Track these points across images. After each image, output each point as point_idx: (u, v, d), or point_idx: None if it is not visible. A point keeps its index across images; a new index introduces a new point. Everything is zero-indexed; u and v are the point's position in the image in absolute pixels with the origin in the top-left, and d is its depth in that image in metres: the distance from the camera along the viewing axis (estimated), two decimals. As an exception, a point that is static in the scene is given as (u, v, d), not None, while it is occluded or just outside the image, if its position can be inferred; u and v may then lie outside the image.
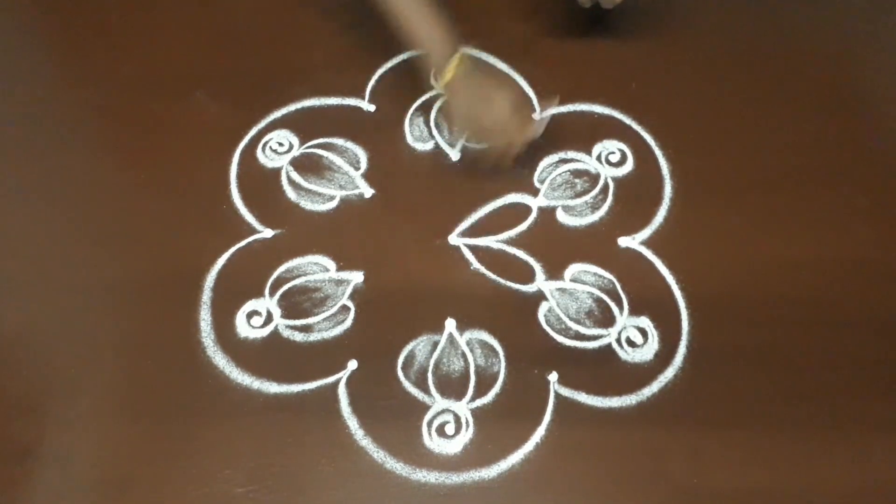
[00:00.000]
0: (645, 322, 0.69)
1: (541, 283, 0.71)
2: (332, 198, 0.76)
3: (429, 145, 0.79)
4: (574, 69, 0.83)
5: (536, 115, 0.75)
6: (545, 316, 0.70)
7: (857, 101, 0.82)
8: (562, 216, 0.75)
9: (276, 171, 0.78)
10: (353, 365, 0.67)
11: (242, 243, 0.73)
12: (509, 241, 0.74)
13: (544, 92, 0.82)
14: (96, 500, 0.62)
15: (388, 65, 0.84)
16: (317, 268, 0.72)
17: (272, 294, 0.71)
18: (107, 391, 0.67)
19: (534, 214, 0.75)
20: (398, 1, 0.72)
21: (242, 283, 0.71)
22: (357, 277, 0.72)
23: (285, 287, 0.71)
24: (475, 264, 0.72)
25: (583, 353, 0.68)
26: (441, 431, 0.64)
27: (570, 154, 0.78)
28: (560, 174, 0.77)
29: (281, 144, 0.79)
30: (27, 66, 0.86)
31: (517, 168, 0.77)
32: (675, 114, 0.80)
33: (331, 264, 0.72)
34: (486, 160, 0.75)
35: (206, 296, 0.71)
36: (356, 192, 0.76)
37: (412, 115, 0.81)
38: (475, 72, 0.72)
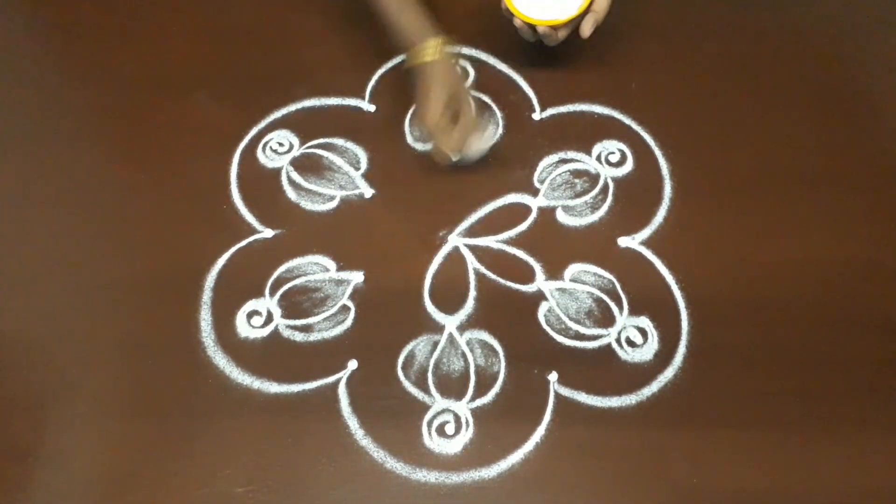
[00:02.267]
0: (645, 322, 0.69)
1: (541, 283, 0.71)
2: (332, 198, 0.76)
3: (429, 145, 0.79)
4: (574, 69, 0.83)
5: (478, 138, 0.74)
6: (545, 316, 0.70)
7: (857, 102, 0.82)
8: (562, 216, 0.75)
9: (277, 171, 0.78)
10: (353, 365, 0.67)
11: (242, 243, 0.73)
12: (509, 241, 0.74)
13: (544, 92, 0.82)
14: (96, 500, 0.62)
15: (388, 65, 0.84)
16: (317, 268, 0.72)
17: (272, 294, 0.71)
18: (107, 391, 0.67)
19: (534, 214, 0.75)
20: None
21: (242, 283, 0.71)
22: (357, 277, 0.72)
23: (285, 287, 0.71)
24: (475, 264, 0.72)
25: (583, 353, 0.68)
26: (441, 431, 0.64)
27: (570, 154, 0.78)
28: (560, 174, 0.77)
29: (281, 144, 0.79)
30: (27, 66, 0.86)
31: (515, 168, 0.77)
32: (675, 114, 0.80)
33: (331, 264, 0.72)
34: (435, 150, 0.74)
35: (207, 296, 0.71)
36: (356, 192, 0.77)
37: (412, 115, 0.81)
38: (441, 66, 0.72)
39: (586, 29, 0.73)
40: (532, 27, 0.74)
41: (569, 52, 0.83)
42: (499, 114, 0.80)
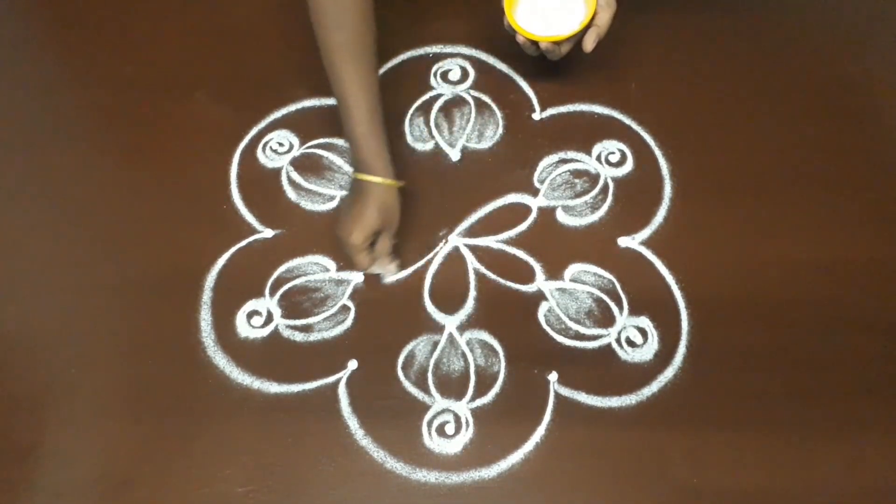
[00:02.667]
0: (645, 322, 0.69)
1: (541, 283, 0.71)
2: (332, 198, 0.76)
3: (429, 145, 0.79)
4: (574, 69, 0.83)
5: (382, 266, 0.71)
6: (545, 316, 0.70)
7: (857, 102, 0.82)
8: (562, 216, 0.75)
9: (277, 171, 0.78)
10: (353, 365, 0.67)
11: (243, 243, 0.73)
12: (509, 241, 0.74)
13: (544, 92, 0.82)
14: (96, 500, 0.62)
15: (389, 65, 0.84)
16: (317, 268, 0.72)
17: (272, 294, 0.71)
18: (107, 391, 0.67)
19: (534, 214, 0.75)
20: (350, 98, 0.68)
21: (243, 283, 0.71)
22: (357, 277, 0.72)
23: (285, 287, 0.71)
24: (475, 264, 0.72)
25: (583, 352, 0.68)
26: (441, 431, 0.64)
27: (570, 154, 0.78)
28: (560, 174, 0.77)
29: (281, 144, 0.79)
30: (28, 67, 0.86)
31: (515, 168, 0.77)
32: (675, 114, 0.80)
33: (331, 264, 0.72)
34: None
35: (207, 296, 0.71)
36: (356, 192, 0.76)
37: (412, 115, 0.81)
38: (387, 195, 0.68)
39: (589, 44, 0.73)
40: (535, 43, 0.74)
41: (569, 53, 0.83)
42: (499, 114, 0.80)
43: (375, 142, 0.68)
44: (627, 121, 0.80)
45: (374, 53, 0.69)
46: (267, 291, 0.71)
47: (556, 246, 0.73)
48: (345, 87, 0.68)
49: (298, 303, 0.70)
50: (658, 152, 0.78)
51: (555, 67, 0.81)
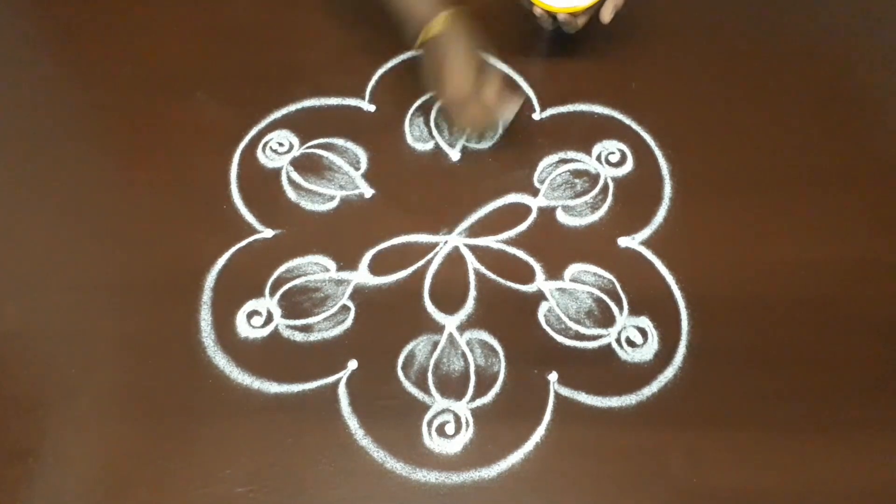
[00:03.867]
0: (645, 322, 0.69)
1: (541, 283, 0.71)
2: (332, 198, 0.76)
3: (429, 145, 0.79)
4: (574, 69, 0.83)
5: (505, 103, 0.72)
6: (545, 316, 0.70)
7: (856, 101, 0.82)
8: (562, 216, 0.75)
9: (277, 171, 0.78)
10: (353, 365, 0.67)
11: (242, 243, 0.73)
12: (509, 241, 0.74)
13: (544, 92, 0.82)
14: (96, 500, 0.62)
15: (389, 65, 0.84)
16: (317, 268, 0.72)
17: (272, 294, 0.71)
18: (107, 391, 0.67)
19: (534, 214, 0.75)
20: None
21: (242, 283, 0.71)
22: (357, 277, 0.72)
23: (285, 287, 0.71)
24: (475, 264, 0.72)
25: (583, 353, 0.68)
26: (441, 431, 0.64)
27: (570, 154, 0.78)
28: (560, 174, 0.77)
29: (281, 144, 0.79)
30: (27, 66, 0.86)
31: (515, 168, 0.77)
32: (675, 114, 0.80)
33: (331, 264, 0.72)
34: (451, 129, 0.73)
35: (207, 296, 0.71)
36: (356, 192, 0.77)
37: (412, 115, 0.81)
38: (458, 37, 0.69)
39: (606, 15, 0.72)
40: (552, 15, 0.73)
41: (569, 50, 0.83)
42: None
43: None
44: (627, 121, 0.80)
45: None
46: (267, 291, 0.71)
47: (556, 246, 0.73)
48: None
49: (298, 303, 0.70)
50: (658, 152, 0.78)
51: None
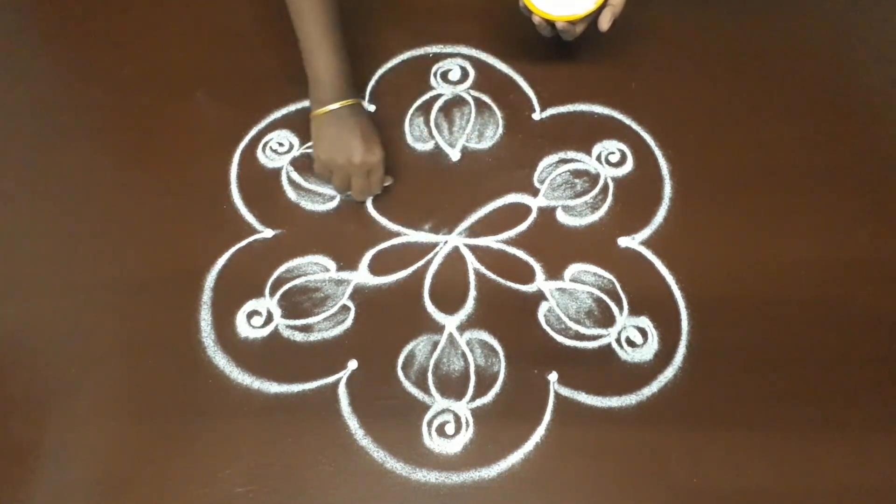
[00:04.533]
0: (645, 322, 0.69)
1: (541, 283, 0.71)
2: (332, 198, 0.76)
3: (429, 145, 0.79)
4: (574, 69, 0.83)
5: (386, 181, 0.74)
6: (545, 316, 0.70)
7: (856, 101, 0.82)
8: (562, 216, 0.75)
9: (277, 171, 0.78)
10: (353, 365, 0.67)
11: (242, 243, 0.73)
12: (509, 241, 0.74)
13: (544, 92, 0.82)
14: (96, 500, 0.62)
15: (389, 65, 0.84)
16: (317, 268, 0.72)
17: (272, 294, 0.71)
18: (107, 391, 0.67)
19: (534, 214, 0.75)
20: (307, 27, 0.71)
21: (243, 283, 0.71)
22: (357, 277, 0.72)
23: (285, 287, 0.71)
24: (475, 264, 0.72)
25: (583, 353, 0.68)
26: (441, 431, 0.64)
27: (570, 154, 0.78)
28: (560, 174, 0.77)
29: (281, 144, 0.79)
30: (28, 66, 0.86)
31: (515, 168, 0.77)
32: (675, 114, 0.80)
33: (331, 264, 0.72)
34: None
35: (207, 296, 0.71)
36: (356, 192, 0.76)
37: (412, 115, 0.81)
38: (349, 118, 0.71)
39: (604, 23, 0.73)
40: (551, 23, 0.74)
41: (569, 52, 0.83)
42: (499, 114, 0.80)
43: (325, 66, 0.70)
44: (627, 121, 0.80)
45: None
46: (267, 291, 0.71)
47: (556, 246, 0.73)
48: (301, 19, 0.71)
49: (298, 303, 0.70)
50: (658, 152, 0.78)
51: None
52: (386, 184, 0.75)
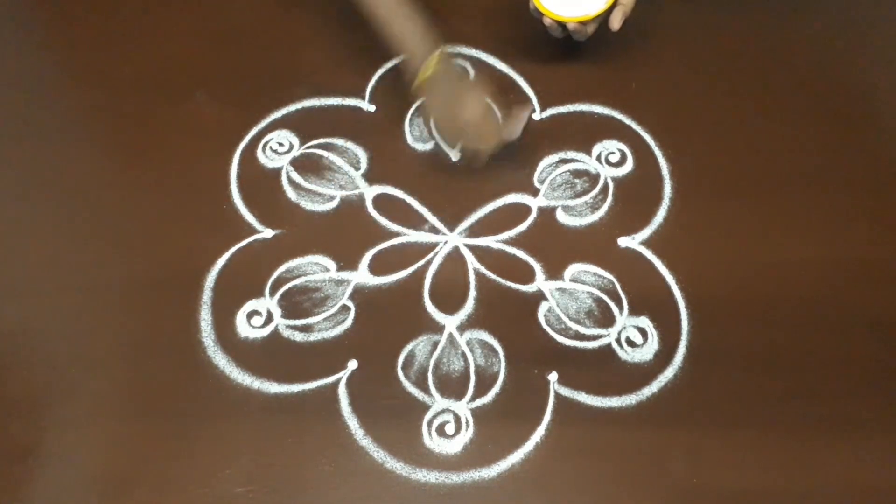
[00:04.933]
0: (645, 322, 0.69)
1: (541, 283, 0.71)
2: (332, 198, 0.76)
3: (429, 145, 0.79)
4: (574, 69, 0.83)
5: (513, 118, 0.75)
6: (545, 316, 0.70)
7: (856, 102, 0.82)
8: (562, 216, 0.75)
9: (277, 171, 0.78)
10: (353, 365, 0.67)
11: (242, 243, 0.73)
12: (509, 241, 0.74)
13: (544, 92, 0.82)
14: (96, 500, 0.62)
15: (389, 65, 0.84)
16: (317, 268, 0.72)
17: (272, 294, 0.71)
18: (107, 391, 0.67)
19: (534, 214, 0.75)
20: (377, 2, 0.72)
21: (242, 282, 0.71)
22: (357, 277, 0.72)
23: (285, 287, 0.71)
24: (475, 264, 0.72)
25: (583, 352, 0.68)
26: (441, 431, 0.64)
27: (570, 154, 0.78)
28: (560, 174, 0.77)
29: (281, 144, 0.79)
30: (27, 66, 0.86)
31: (515, 168, 0.77)
32: (675, 114, 0.80)
33: (331, 264, 0.72)
34: (462, 158, 0.75)
35: (207, 296, 0.71)
36: (356, 192, 0.77)
37: (412, 115, 0.81)
38: (451, 72, 0.72)
39: (616, 22, 0.74)
40: (562, 24, 0.74)
41: (570, 52, 0.83)
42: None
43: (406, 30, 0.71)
44: (627, 121, 0.80)
45: None
46: (267, 291, 0.71)
47: (556, 246, 0.73)
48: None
49: (298, 303, 0.70)
50: (658, 152, 0.78)
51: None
52: (526, 113, 0.74)
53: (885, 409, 0.65)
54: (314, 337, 0.69)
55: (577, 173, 0.77)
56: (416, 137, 0.80)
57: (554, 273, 0.72)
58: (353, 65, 0.84)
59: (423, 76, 0.71)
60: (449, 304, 0.70)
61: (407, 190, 0.76)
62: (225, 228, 0.74)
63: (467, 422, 0.65)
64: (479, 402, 0.66)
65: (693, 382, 0.66)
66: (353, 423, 0.65)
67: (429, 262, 0.72)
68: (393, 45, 0.73)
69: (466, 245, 0.73)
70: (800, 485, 0.62)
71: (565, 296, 0.71)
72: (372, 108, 0.81)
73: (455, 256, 0.73)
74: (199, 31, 0.87)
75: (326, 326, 0.69)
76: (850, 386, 0.66)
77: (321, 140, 0.79)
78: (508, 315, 0.70)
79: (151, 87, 0.83)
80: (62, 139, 0.80)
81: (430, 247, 0.73)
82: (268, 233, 0.74)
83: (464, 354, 0.68)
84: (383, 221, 0.75)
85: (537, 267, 0.72)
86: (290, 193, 0.76)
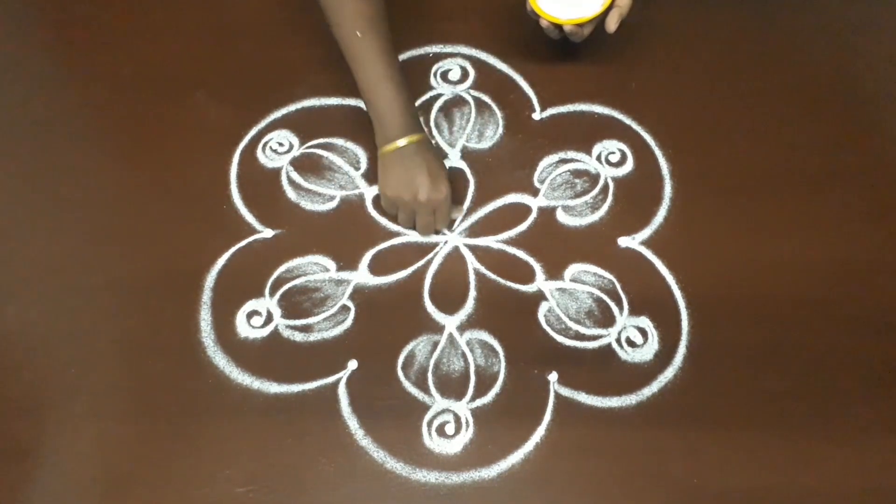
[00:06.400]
0: (645, 322, 0.69)
1: (541, 283, 0.71)
2: (332, 198, 0.76)
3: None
4: (574, 69, 0.83)
5: (454, 213, 0.74)
6: (545, 316, 0.70)
7: (856, 102, 0.82)
8: (562, 216, 0.75)
9: (276, 171, 0.78)
10: (353, 365, 0.67)
11: (242, 243, 0.73)
12: (509, 241, 0.74)
13: (544, 92, 0.82)
14: (96, 500, 0.62)
15: (388, 65, 0.84)
16: (317, 268, 0.72)
17: (272, 294, 0.71)
18: (106, 391, 0.67)
19: (534, 214, 0.75)
20: (366, 70, 0.69)
21: (242, 283, 0.71)
22: (357, 277, 0.72)
23: (285, 287, 0.71)
24: (475, 264, 0.72)
25: (583, 353, 0.68)
26: (441, 431, 0.64)
27: (570, 154, 0.78)
28: (560, 174, 0.77)
29: (281, 144, 0.79)
30: (27, 67, 0.86)
31: (515, 168, 0.77)
32: (675, 114, 0.80)
33: (331, 264, 0.72)
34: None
35: (207, 296, 0.71)
36: (356, 192, 0.77)
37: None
38: (416, 155, 0.70)
39: (612, 24, 0.74)
40: (558, 26, 0.74)
41: (570, 52, 0.83)
42: (499, 114, 0.80)
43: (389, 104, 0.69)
44: (627, 121, 0.80)
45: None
46: (267, 291, 0.71)
47: (556, 246, 0.73)
48: (356, 52, 0.69)
49: (298, 303, 0.70)
50: (658, 152, 0.78)
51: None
52: (455, 215, 0.74)
53: (886, 409, 0.65)
54: (314, 337, 0.69)
55: (578, 173, 0.77)
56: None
57: (554, 273, 0.72)
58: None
59: (392, 147, 0.69)
60: (449, 304, 0.70)
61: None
62: (225, 228, 0.74)
63: (467, 422, 0.65)
64: (479, 402, 0.66)
65: (693, 382, 0.66)
66: (353, 423, 0.65)
67: (429, 262, 0.72)
68: (368, 106, 0.71)
69: (466, 245, 0.73)
70: (800, 485, 0.62)
71: (565, 296, 0.71)
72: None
73: (455, 256, 0.73)
74: (198, 30, 0.87)
75: (326, 326, 0.69)
76: (851, 386, 0.66)
77: (321, 140, 0.79)
78: (508, 315, 0.70)
79: (151, 87, 0.83)
80: (62, 139, 0.80)
81: (430, 247, 0.73)
82: (268, 233, 0.74)
83: (464, 354, 0.68)
84: (383, 221, 0.75)
85: (537, 267, 0.72)
86: (290, 193, 0.76)
